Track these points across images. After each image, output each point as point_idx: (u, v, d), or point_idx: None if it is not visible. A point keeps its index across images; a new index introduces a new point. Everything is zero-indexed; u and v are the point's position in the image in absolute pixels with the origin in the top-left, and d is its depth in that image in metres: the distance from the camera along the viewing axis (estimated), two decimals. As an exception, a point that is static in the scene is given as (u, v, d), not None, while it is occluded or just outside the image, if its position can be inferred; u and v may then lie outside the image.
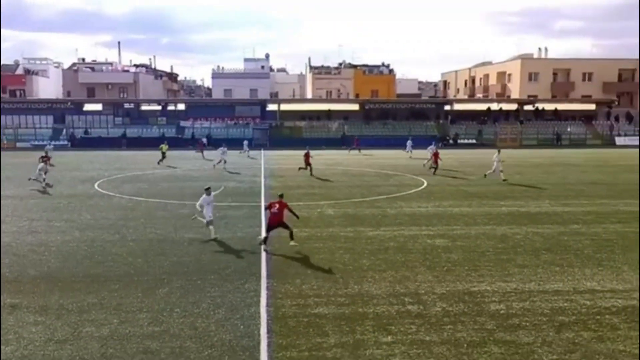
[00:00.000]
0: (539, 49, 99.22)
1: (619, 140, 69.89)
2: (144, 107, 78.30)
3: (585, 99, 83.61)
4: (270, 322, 11.64)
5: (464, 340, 10.78)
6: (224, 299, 12.99)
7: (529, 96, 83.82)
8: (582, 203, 26.39)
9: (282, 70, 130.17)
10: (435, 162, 38.09)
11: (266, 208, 18.14)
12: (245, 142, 55.92)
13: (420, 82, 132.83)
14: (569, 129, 72.31)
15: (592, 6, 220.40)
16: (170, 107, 79.73)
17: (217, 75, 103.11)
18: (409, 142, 55.00)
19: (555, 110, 76.94)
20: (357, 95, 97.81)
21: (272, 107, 75.64)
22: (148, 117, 75.30)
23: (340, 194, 29.33)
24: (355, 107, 78.66)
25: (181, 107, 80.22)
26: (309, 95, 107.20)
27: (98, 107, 77.75)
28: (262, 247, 17.40)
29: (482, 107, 79.06)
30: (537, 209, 24.70)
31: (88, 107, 77.45)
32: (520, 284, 14.21)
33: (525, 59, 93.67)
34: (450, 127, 72.26)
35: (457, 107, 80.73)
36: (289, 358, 10.04)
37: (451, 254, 17.12)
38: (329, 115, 75.19)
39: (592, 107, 78.76)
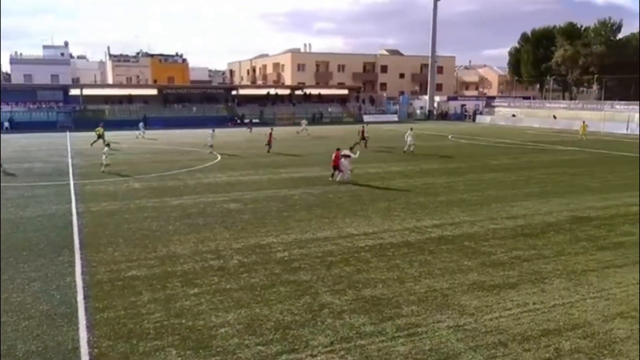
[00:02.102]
0: (305, 44, 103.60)
1: (365, 118, 75.63)
2: (-64, 92, 65.64)
3: (341, 85, 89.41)
4: (86, 289, 10.79)
5: (257, 285, 11.10)
6: (38, 273, 11.69)
7: (298, 83, 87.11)
8: (342, 167, 28.36)
9: (83, 57, 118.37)
10: (363, 138, 38.00)
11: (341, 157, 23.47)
12: (141, 124, 48.68)
13: (210, 71, 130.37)
14: (329, 110, 76.67)
15: (339, 12, 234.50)
16: (-34, 92, 68.09)
17: (15, 60, 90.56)
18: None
19: (319, 95, 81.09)
20: (155, 81, 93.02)
21: (74, 92, 68.37)
22: (-59, 102, 63.37)
23: (145, 169, 27.92)
24: (154, 92, 74.47)
25: (-22, 91, 68.80)
26: (110, 81, 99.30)
27: None
28: (330, 179, 23.42)
29: (263, 92, 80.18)
30: (309, 174, 26.02)
31: None
32: (299, 234, 14.96)
33: (294, 53, 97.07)
34: (237, 108, 72.35)
35: (242, 92, 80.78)
36: (107, 318, 9.44)
37: (244, 215, 17.37)
38: (130, 99, 70.28)
39: (346, 92, 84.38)
